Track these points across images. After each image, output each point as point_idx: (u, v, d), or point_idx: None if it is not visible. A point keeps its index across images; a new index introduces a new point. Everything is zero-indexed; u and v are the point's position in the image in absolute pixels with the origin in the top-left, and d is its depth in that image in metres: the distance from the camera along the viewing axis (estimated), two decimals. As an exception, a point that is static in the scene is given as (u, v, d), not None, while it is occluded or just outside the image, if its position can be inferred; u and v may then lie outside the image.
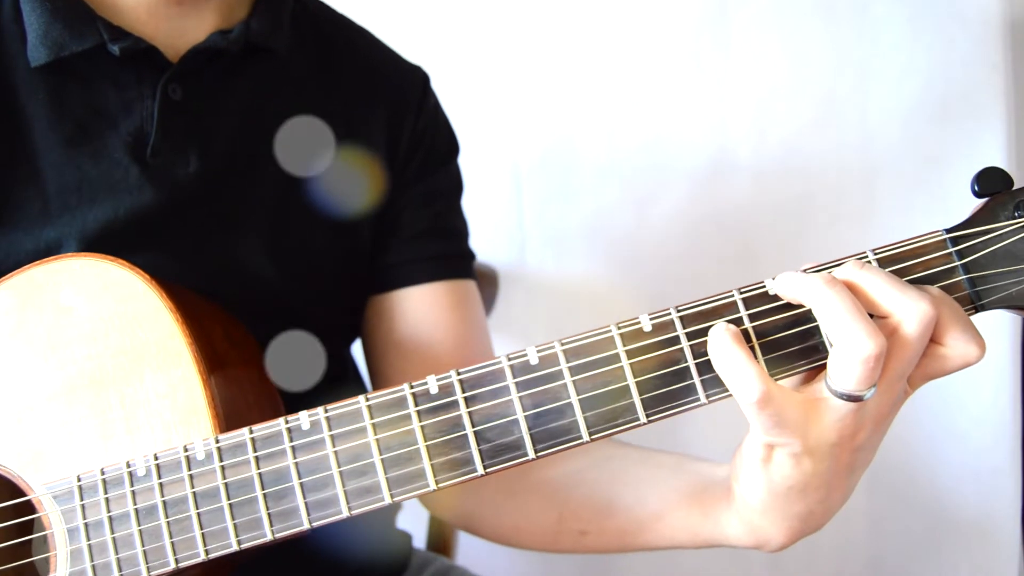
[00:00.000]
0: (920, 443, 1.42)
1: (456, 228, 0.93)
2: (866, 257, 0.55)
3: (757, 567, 1.44)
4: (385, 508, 0.58)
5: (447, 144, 0.94)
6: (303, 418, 0.58)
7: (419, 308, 0.88)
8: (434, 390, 0.57)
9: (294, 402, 0.70)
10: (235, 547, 0.58)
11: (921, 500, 1.44)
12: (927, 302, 0.52)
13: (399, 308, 0.88)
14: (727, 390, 0.55)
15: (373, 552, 0.91)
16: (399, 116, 0.88)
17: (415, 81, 0.92)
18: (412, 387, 0.57)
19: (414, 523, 1.16)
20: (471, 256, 0.93)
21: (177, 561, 0.59)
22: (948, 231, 0.56)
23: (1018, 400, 1.39)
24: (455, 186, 0.94)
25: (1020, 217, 0.55)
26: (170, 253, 0.75)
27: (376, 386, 0.92)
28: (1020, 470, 1.40)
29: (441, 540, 1.16)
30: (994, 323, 1.34)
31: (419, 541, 1.10)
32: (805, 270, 0.55)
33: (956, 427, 1.41)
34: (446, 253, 0.90)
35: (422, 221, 0.89)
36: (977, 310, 0.55)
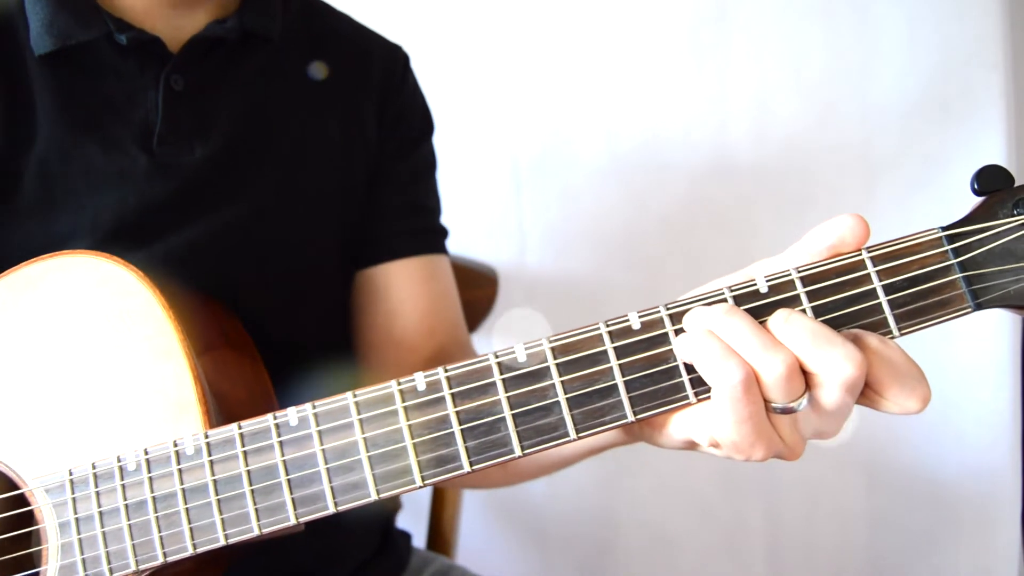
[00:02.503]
0: (920, 442, 1.42)
1: (431, 205, 0.97)
2: (860, 255, 0.54)
3: (757, 566, 1.44)
4: (384, 507, 0.58)
5: (423, 122, 0.97)
6: (291, 414, 0.58)
7: (395, 283, 0.91)
8: (421, 387, 0.57)
9: (290, 386, 0.72)
10: (222, 542, 0.58)
11: (921, 499, 1.44)
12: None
13: (378, 282, 0.91)
14: None
15: (372, 551, 0.92)
16: (385, 96, 0.91)
17: (397, 60, 0.95)
18: (400, 384, 0.57)
19: (414, 523, 1.16)
20: (444, 232, 0.97)
21: (165, 555, 0.59)
22: (944, 229, 0.55)
23: (1018, 400, 1.38)
24: (430, 164, 0.97)
25: (1020, 215, 0.53)
26: (180, 236, 0.76)
27: (359, 357, 0.94)
28: (1020, 470, 1.40)
29: (441, 540, 1.16)
30: (994, 322, 1.34)
31: (419, 541, 1.10)
32: (705, 300, 0.56)
33: (956, 426, 1.40)
34: (422, 229, 0.94)
35: (402, 199, 0.92)
36: (974, 309, 0.54)
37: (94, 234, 0.73)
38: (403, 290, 0.91)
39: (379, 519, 0.95)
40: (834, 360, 0.51)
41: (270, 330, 0.77)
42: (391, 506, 1.00)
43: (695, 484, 1.42)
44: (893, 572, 1.45)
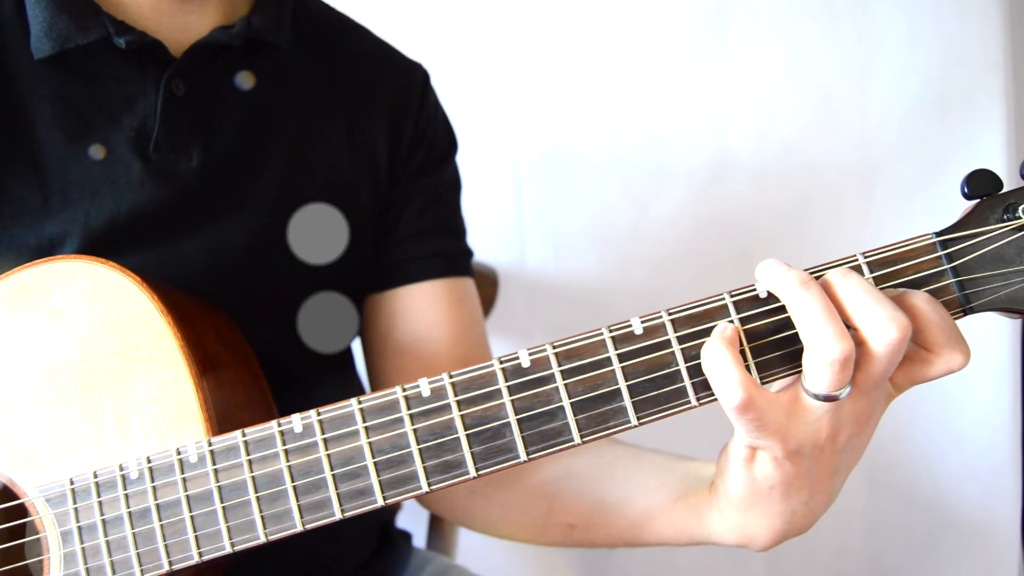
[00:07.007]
0: (920, 443, 1.42)
1: (456, 226, 0.94)
2: (856, 260, 0.56)
3: (756, 566, 1.44)
4: (384, 507, 0.58)
5: (446, 142, 0.94)
6: (296, 421, 0.58)
7: (420, 306, 0.88)
8: (426, 393, 0.57)
9: (288, 400, 0.71)
10: (228, 549, 0.58)
11: (921, 500, 1.44)
12: (896, 325, 0.52)
13: (400, 306, 0.88)
14: None
15: (372, 551, 0.92)
16: (400, 113, 0.89)
17: (416, 79, 0.92)
18: (404, 390, 0.57)
19: (414, 523, 1.16)
20: (470, 254, 0.94)
21: (171, 563, 0.59)
22: (938, 234, 0.56)
23: (1018, 400, 1.39)
24: (454, 184, 0.95)
25: (1009, 220, 0.55)
26: (172, 246, 0.75)
27: (374, 382, 0.93)
28: (1020, 470, 1.40)
29: (441, 539, 1.16)
30: (994, 323, 1.34)
31: (419, 540, 1.10)
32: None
33: (956, 427, 1.40)
34: (447, 251, 0.90)
35: (423, 219, 0.89)
36: (965, 313, 0.56)
37: (84, 239, 0.72)
38: (431, 314, 0.88)
39: (379, 519, 0.95)
40: (881, 319, 0.52)
41: (262, 346, 0.76)
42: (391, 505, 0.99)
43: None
44: (892, 573, 1.45)
